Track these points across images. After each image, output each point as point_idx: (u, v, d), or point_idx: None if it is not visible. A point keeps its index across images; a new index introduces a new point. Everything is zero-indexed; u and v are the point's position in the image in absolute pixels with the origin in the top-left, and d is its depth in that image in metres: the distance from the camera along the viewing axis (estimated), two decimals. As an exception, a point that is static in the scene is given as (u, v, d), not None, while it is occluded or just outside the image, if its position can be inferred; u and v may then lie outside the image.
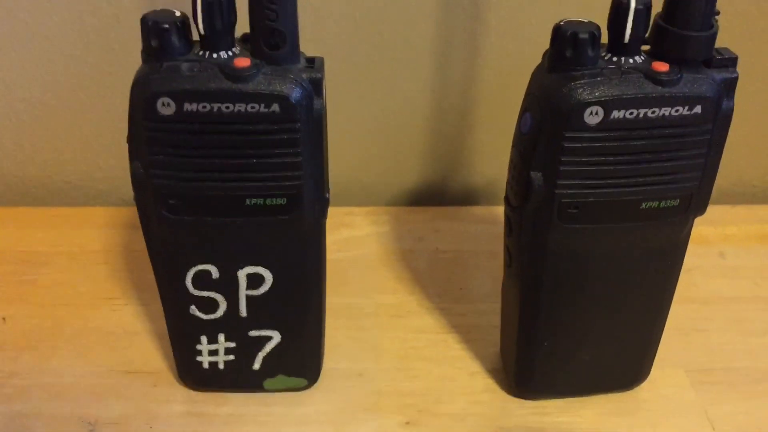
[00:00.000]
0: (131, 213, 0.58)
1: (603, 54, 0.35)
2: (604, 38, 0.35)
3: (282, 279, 0.39)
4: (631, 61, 0.34)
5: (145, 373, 0.45)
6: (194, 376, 0.43)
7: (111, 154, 0.61)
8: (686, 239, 0.39)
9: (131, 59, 0.36)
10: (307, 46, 0.36)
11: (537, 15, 0.56)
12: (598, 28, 0.34)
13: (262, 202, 0.36)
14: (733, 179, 0.63)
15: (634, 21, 0.33)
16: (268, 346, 0.42)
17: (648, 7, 0.33)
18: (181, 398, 0.43)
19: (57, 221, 0.58)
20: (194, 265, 0.39)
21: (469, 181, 0.63)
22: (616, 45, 0.34)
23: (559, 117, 0.33)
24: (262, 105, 0.34)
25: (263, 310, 0.40)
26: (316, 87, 0.35)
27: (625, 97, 0.33)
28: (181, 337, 0.42)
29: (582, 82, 0.33)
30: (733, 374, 0.46)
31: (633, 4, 0.33)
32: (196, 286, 0.39)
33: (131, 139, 0.36)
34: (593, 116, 0.33)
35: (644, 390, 0.45)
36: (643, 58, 0.35)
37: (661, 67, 0.34)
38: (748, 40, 0.57)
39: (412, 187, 0.64)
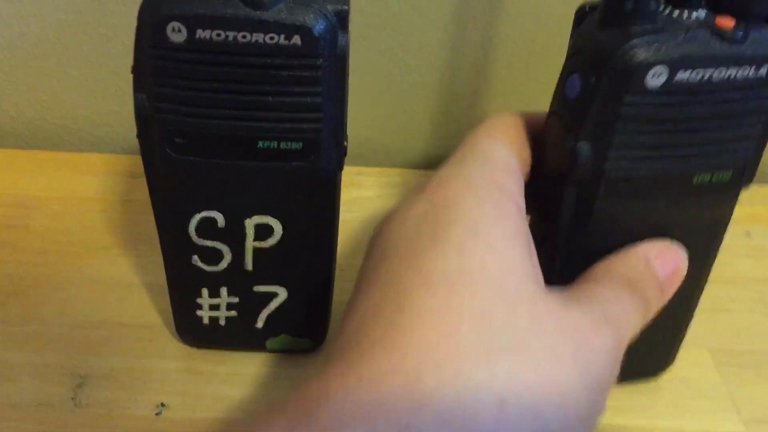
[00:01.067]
0: (129, 161, 0.56)
1: (662, 7, 0.31)
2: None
3: (292, 232, 0.37)
4: (694, 15, 0.31)
5: (139, 327, 0.42)
6: (193, 331, 0.41)
7: (111, 99, 0.58)
8: (730, 215, 0.36)
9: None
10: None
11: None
12: None
13: (275, 146, 0.34)
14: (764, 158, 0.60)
15: None
16: (273, 304, 0.39)
17: None
18: (178, 354, 0.41)
19: (51, 166, 0.55)
20: (199, 212, 0.36)
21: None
22: None
23: (619, 78, 0.29)
24: (282, 36, 0.31)
25: (270, 265, 0.38)
26: (341, 21, 0.32)
27: (692, 56, 0.29)
28: (181, 290, 0.39)
29: (644, 39, 0.29)
30: (760, 356, 0.44)
31: None
32: (199, 234, 0.37)
33: (136, 69, 0.33)
34: (656, 78, 0.29)
35: (666, 370, 0.42)
36: (705, 11, 0.31)
37: (727, 23, 0.30)
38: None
39: (424, 149, 0.61)
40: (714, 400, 0.41)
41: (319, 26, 0.31)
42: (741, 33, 0.30)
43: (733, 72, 0.29)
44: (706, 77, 0.29)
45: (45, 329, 0.42)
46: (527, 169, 0.32)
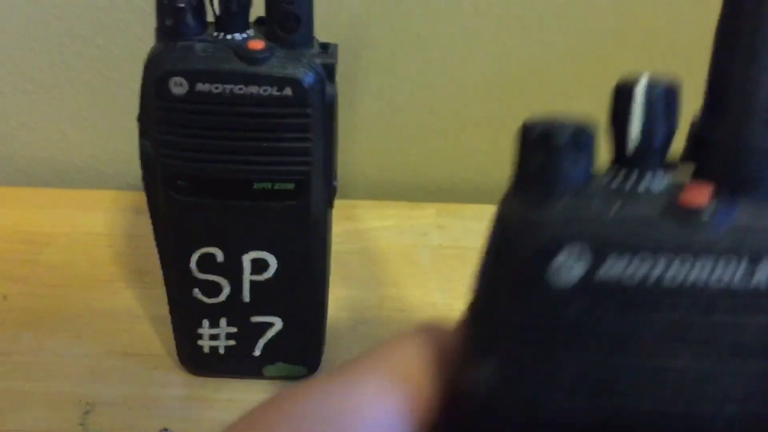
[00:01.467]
0: (135, 197, 0.58)
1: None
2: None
3: (286, 265, 0.39)
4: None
5: (144, 356, 0.45)
6: (194, 360, 0.43)
7: (117, 138, 0.61)
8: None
9: (141, 41, 0.36)
10: (320, 32, 0.36)
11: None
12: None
13: (270, 187, 0.36)
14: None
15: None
16: (270, 333, 0.42)
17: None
18: (181, 382, 0.43)
19: (61, 203, 0.58)
20: (199, 248, 0.39)
21: (473, 178, 0.63)
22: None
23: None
24: (275, 88, 0.34)
25: (266, 296, 0.40)
26: (329, 72, 0.35)
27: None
28: (183, 320, 0.42)
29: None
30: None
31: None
32: (200, 268, 0.39)
33: (142, 118, 0.36)
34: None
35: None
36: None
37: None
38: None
39: (417, 183, 0.63)
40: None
41: (308, 78, 0.34)
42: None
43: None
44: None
45: (55, 359, 0.44)
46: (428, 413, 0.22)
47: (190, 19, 0.34)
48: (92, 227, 0.55)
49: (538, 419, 0.18)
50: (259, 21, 0.36)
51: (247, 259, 0.39)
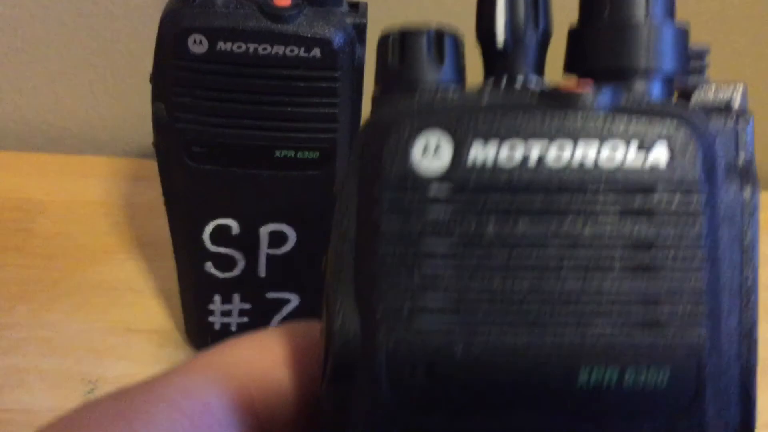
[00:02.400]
0: (132, 165, 0.56)
1: None
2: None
3: (306, 239, 0.37)
4: None
5: (149, 332, 0.42)
6: (203, 337, 0.41)
7: (113, 102, 0.58)
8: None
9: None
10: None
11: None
12: None
13: (292, 155, 0.34)
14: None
15: None
16: (285, 310, 0.40)
17: None
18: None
19: (54, 169, 0.55)
20: (214, 219, 0.36)
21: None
22: None
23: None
24: (302, 49, 0.31)
25: (283, 271, 0.38)
26: (359, 33, 0.33)
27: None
28: (193, 295, 0.39)
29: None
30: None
31: None
32: (214, 241, 0.37)
33: (155, 78, 0.33)
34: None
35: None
36: None
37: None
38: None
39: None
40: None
41: (338, 39, 0.32)
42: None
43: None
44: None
45: (54, 334, 0.42)
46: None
47: (210, -29, 0.31)
48: (88, 195, 0.52)
49: (412, 347, 0.16)
50: (284, -24, 0.33)
51: (264, 232, 0.37)
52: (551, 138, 0.16)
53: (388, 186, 0.16)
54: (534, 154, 0.16)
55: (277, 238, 0.37)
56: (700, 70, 0.18)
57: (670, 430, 0.15)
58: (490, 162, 0.16)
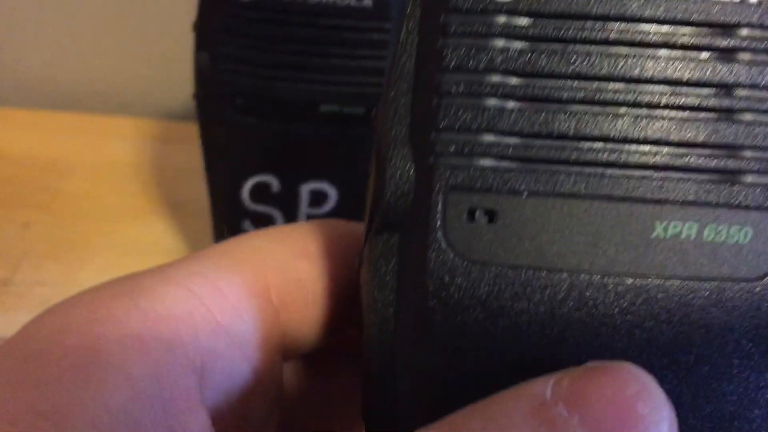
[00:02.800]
0: (160, 126, 0.55)
1: None
2: None
3: (347, 199, 0.36)
4: None
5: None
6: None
7: (140, 62, 0.56)
8: None
9: None
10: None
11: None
12: None
13: (337, 110, 0.33)
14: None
15: None
16: (323, 272, 0.39)
17: None
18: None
19: (79, 128, 0.54)
20: (254, 175, 0.35)
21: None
22: None
23: None
24: (354, -3, 0.30)
25: (323, 232, 0.37)
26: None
27: None
28: (229, 256, 0.38)
29: None
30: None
31: None
32: (253, 199, 0.36)
33: (199, 26, 0.32)
34: None
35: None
36: None
37: None
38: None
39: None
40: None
41: (391, -13, 0.30)
42: None
43: None
44: None
45: (85, 293, 0.41)
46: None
47: None
48: (117, 156, 0.52)
49: (474, 181, 0.14)
50: None
51: (305, 190, 0.36)
52: None
53: (455, 10, 0.14)
54: None
55: (317, 197, 0.36)
56: None
57: (745, 294, 0.14)
58: None
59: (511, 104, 0.14)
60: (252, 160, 0.35)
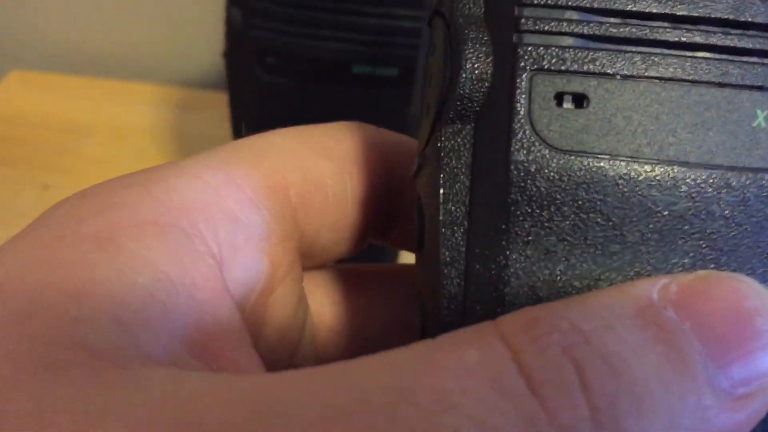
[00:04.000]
0: (180, 94, 0.54)
1: None
2: None
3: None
4: None
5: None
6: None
7: (159, 27, 0.56)
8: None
9: None
10: None
11: None
12: None
13: (370, 70, 0.32)
14: None
15: None
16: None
17: None
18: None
19: (98, 93, 0.53)
20: (282, 138, 0.35)
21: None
22: None
23: None
24: (391, -46, 0.30)
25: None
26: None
27: None
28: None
29: None
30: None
31: None
32: (280, 162, 0.35)
33: (232, -19, 0.31)
34: None
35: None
36: None
37: None
38: None
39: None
40: None
41: (429, -55, 0.30)
42: None
43: None
44: None
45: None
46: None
47: None
48: (135, 122, 0.51)
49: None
50: None
51: (333, 154, 0.35)
52: None
53: None
54: None
55: (346, 161, 0.35)
56: None
57: None
58: None
59: None
60: (282, 122, 0.34)
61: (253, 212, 0.16)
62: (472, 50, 0.14)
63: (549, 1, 0.13)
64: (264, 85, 0.33)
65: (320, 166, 0.17)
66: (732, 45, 0.13)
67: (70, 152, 0.47)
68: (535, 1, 0.13)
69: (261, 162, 0.16)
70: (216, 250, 0.15)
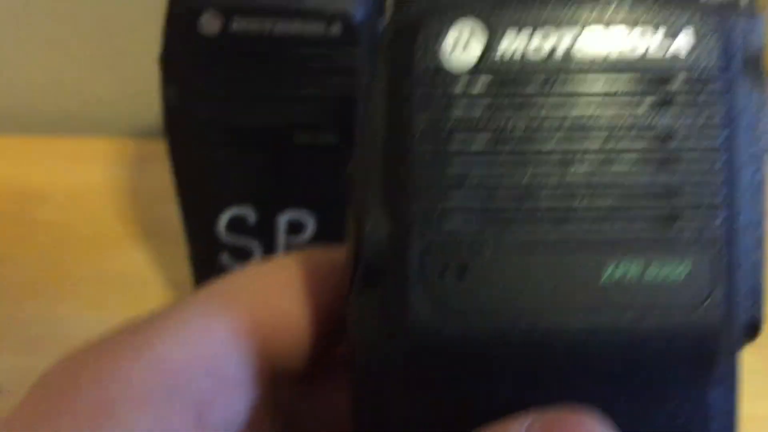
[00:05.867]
0: (137, 145, 0.54)
1: None
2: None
3: (326, 226, 0.35)
4: None
5: (163, 325, 0.41)
6: (221, 329, 0.39)
7: (114, 78, 0.55)
8: None
9: None
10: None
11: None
12: None
13: (311, 138, 0.32)
14: None
15: None
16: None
17: None
18: (206, 353, 0.40)
19: (54, 153, 0.53)
20: (229, 207, 0.34)
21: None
22: None
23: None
24: (322, 25, 0.29)
25: (303, 260, 0.36)
26: (380, 5, 0.31)
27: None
28: (209, 287, 0.38)
29: None
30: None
31: None
32: (229, 231, 0.35)
33: (165, 59, 0.31)
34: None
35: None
36: None
37: None
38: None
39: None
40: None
41: (359, 13, 0.30)
42: None
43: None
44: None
45: (65, 331, 0.40)
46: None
47: (222, -57, 0.29)
48: (92, 180, 0.50)
49: (443, 246, 0.16)
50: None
51: (282, 220, 0.35)
52: (583, 25, 0.16)
53: (418, 82, 0.16)
54: (565, 43, 0.16)
55: (295, 227, 0.35)
56: None
57: (685, 324, 0.16)
58: (520, 53, 0.16)
59: (473, 165, 0.16)
60: (227, 193, 0.34)
61: (228, 359, 0.18)
62: (370, 230, 0.16)
63: (432, 190, 0.15)
64: (206, 157, 0.33)
65: (284, 300, 0.19)
66: (581, 206, 0.16)
67: (26, 221, 0.47)
68: (420, 191, 0.16)
69: (232, 309, 0.19)
70: (196, 404, 0.17)
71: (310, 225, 0.35)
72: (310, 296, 0.19)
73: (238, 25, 0.29)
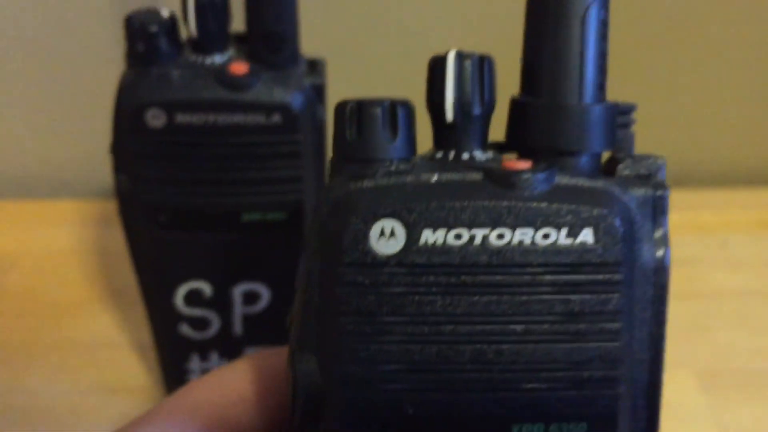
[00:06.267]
0: (102, 206, 0.55)
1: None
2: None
3: (281, 295, 0.37)
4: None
5: (131, 391, 0.42)
6: (184, 395, 0.40)
7: (76, 140, 0.57)
8: None
9: (96, 38, 0.32)
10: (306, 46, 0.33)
11: None
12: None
13: (260, 217, 0.34)
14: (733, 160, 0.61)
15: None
16: (265, 364, 0.39)
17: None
18: (171, 419, 0.41)
19: (19, 217, 0.54)
20: (185, 282, 0.36)
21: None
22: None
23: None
24: (262, 115, 0.31)
25: (260, 328, 0.38)
26: (318, 93, 0.32)
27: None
28: (171, 356, 0.39)
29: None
30: (744, 376, 0.45)
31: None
32: (187, 304, 0.36)
33: (116, 150, 0.32)
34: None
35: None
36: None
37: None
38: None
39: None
40: (699, 425, 0.42)
41: (297, 103, 0.31)
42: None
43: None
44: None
45: (34, 400, 0.41)
46: None
47: (163, 43, 0.31)
48: (58, 244, 0.52)
49: (370, 405, 0.19)
50: (238, 37, 0.33)
51: (237, 292, 0.36)
52: (492, 226, 0.18)
53: (348, 266, 0.18)
54: (478, 239, 0.18)
55: (250, 297, 0.36)
56: (627, 125, 0.20)
57: None
58: (439, 245, 0.18)
59: (394, 341, 0.18)
60: (181, 270, 0.35)
61: None
62: (303, 380, 0.19)
63: (359, 360, 0.18)
64: (160, 239, 0.34)
65: (237, 412, 0.22)
66: (493, 379, 0.18)
67: (-7, 289, 0.48)
68: (349, 358, 0.18)
69: (192, 420, 0.21)
70: None
71: (266, 295, 0.37)
72: (262, 404, 0.22)
73: (182, 118, 0.31)
